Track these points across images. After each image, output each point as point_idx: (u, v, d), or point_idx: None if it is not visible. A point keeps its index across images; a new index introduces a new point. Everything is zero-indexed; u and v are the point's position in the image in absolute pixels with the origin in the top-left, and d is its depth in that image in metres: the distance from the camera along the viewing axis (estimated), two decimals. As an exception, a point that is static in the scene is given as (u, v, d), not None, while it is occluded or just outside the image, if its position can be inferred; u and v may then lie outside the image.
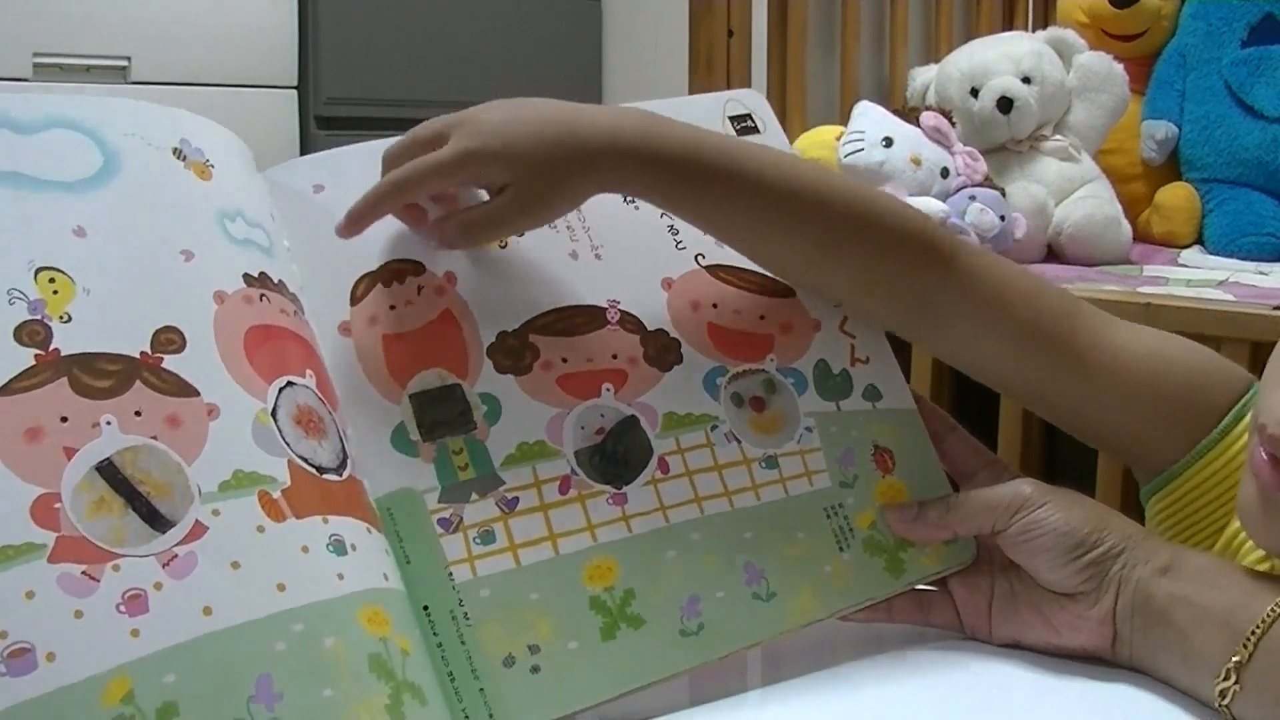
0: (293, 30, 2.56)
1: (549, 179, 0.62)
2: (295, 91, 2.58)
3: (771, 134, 0.75)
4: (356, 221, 0.62)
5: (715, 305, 0.68)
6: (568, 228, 0.67)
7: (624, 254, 0.67)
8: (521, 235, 0.65)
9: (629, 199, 0.68)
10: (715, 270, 0.69)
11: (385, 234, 0.64)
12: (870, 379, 0.69)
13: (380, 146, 0.66)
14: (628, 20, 2.88)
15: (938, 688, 0.61)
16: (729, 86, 2.13)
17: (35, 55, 2.30)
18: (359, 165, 0.65)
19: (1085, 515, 0.62)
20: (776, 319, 0.69)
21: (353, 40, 2.59)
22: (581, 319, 0.65)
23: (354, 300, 0.62)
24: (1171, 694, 0.59)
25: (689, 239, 0.68)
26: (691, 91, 2.05)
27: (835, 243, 0.66)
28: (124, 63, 2.39)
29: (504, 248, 0.65)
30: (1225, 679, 0.55)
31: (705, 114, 0.73)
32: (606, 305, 0.66)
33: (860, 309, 0.70)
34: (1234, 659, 0.55)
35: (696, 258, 0.69)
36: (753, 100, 0.76)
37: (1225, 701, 0.55)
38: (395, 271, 0.63)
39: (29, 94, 0.58)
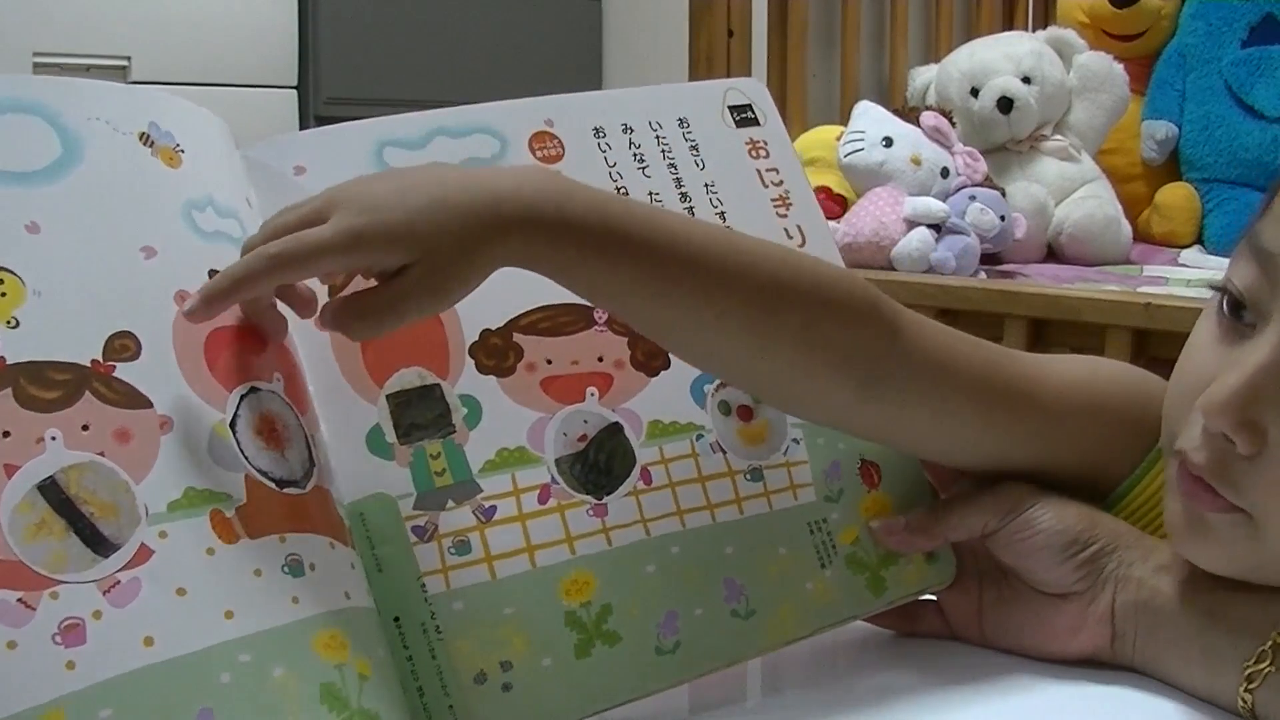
0: (293, 30, 2.56)
1: (457, 253, 0.53)
2: (295, 91, 2.58)
3: (772, 126, 0.72)
4: (211, 303, 0.51)
5: None
6: None
7: None
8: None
9: (622, 191, 0.66)
10: None
11: None
12: None
13: (367, 127, 0.63)
14: (628, 20, 2.88)
15: (940, 693, 0.61)
16: (730, 86, 2.13)
17: (35, 55, 2.30)
18: (343, 147, 0.62)
19: (1076, 514, 0.62)
20: None
21: (353, 40, 2.59)
22: (568, 318, 0.62)
23: (333, 292, 0.59)
24: (1170, 694, 0.59)
25: None
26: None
27: (777, 308, 0.58)
28: (124, 63, 2.39)
29: None
30: (1258, 661, 0.55)
31: (704, 102, 0.71)
32: None
33: (799, 389, 0.61)
34: (1271, 640, 0.55)
35: None
36: (754, 90, 0.73)
37: (1253, 686, 0.55)
38: None
39: (-18, 76, 0.54)
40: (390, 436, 0.58)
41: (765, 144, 0.71)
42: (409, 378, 0.59)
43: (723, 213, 0.68)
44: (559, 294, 0.62)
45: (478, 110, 0.65)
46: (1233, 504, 0.56)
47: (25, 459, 0.46)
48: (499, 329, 0.61)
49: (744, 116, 0.71)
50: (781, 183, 0.70)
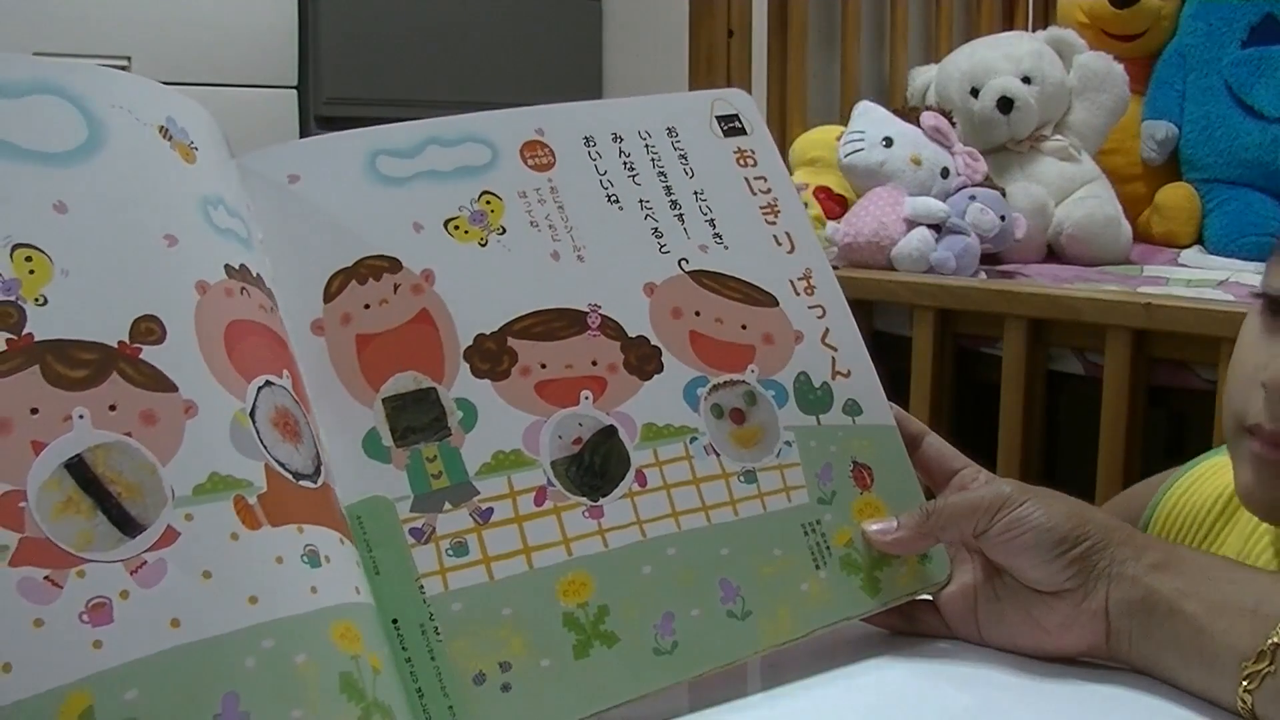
0: (293, 30, 2.56)
1: None
2: (295, 91, 2.58)
3: (759, 136, 0.73)
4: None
5: (698, 313, 0.66)
6: (550, 226, 0.65)
7: (606, 256, 0.65)
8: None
9: (613, 199, 0.67)
10: (698, 276, 0.67)
11: (361, 229, 0.62)
12: (851, 393, 0.68)
13: (360, 136, 0.63)
14: (628, 20, 2.88)
15: (940, 693, 0.61)
16: (729, 86, 2.13)
17: (35, 55, 2.30)
18: (336, 156, 0.63)
19: (1066, 512, 0.62)
20: (759, 329, 0.67)
21: (353, 40, 2.59)
22: (561, 323, 0.63)
23: (328, 297, 0.60)
24: (1169, 693, 0.59)
25: (672, 242, 0.67)
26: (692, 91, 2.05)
27: None
28: (124, 63, 2.39)
29: (484, 245, 0.63)
30: (1257, 662, 0.55)
31: (691, 112, 0.71)
32: (587, 309, 0.64)
33: None
34: (1270, 641, 0.55)
35: (680, 262, 0.67)
36: (740, 100, 0.74)
37: (1252, 686, 0.55)
38: (371, 268, 0.61)
39: (12, 55, 0.53)
40: (387, 440, 0.58)
41: (753, 153, 0.72)
42: (404, 382, 0.59)
43: (712, 220, 0.69)
44: (551, 298, 0.63)
45: (469, 119, 0.66)
46: None
47: (53, 436, 0.46)
48: (493, 333, 0.61)
49: (731, 126, 0.72)
50: (770, 190, 0.71)
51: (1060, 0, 2.30)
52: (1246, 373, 0.68)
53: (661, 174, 0.69)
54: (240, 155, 0.61)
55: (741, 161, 0.71)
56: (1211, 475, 0.84)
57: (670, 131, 0.70)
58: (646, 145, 0.69)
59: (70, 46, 2.34)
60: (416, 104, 2.52)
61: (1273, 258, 0.68)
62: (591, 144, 0.68)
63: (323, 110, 2.58)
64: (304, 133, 2.57)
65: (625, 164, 0.68)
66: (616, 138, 0.68)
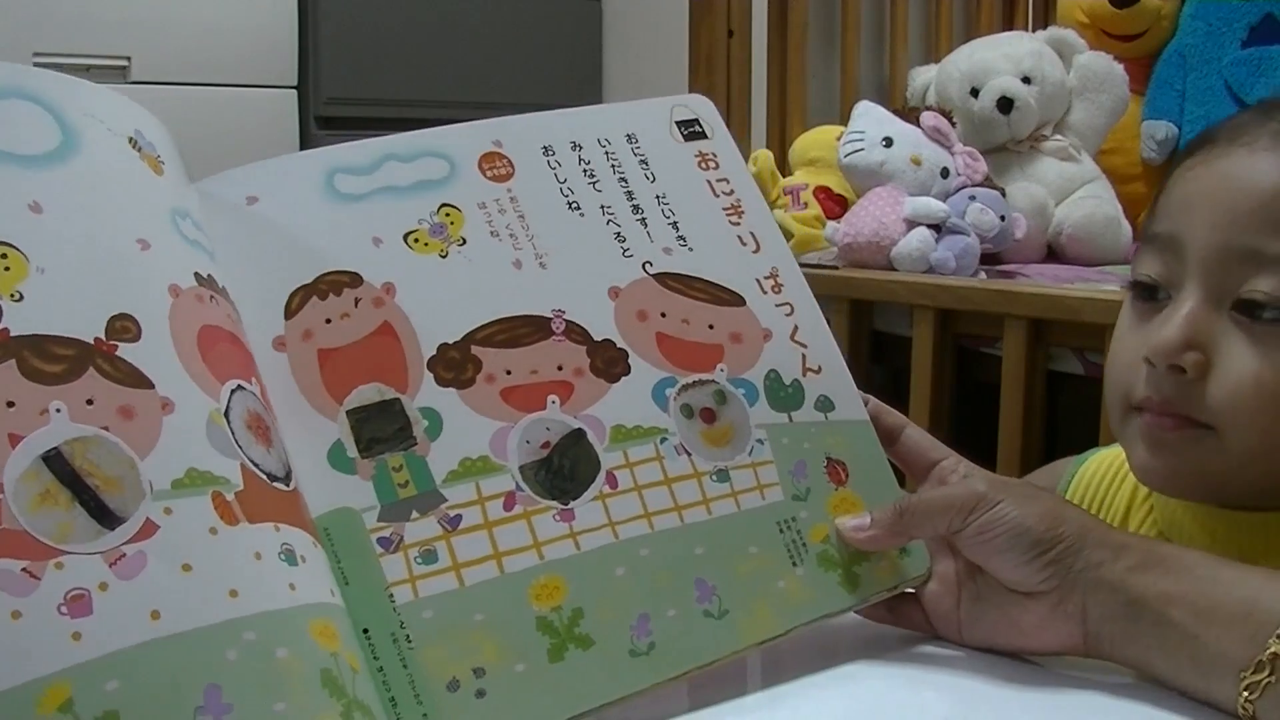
0: (293, 30, 2.56)
1: None
2: (295, 91, 2.58)
3: (720, 140, 0.73)
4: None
5: (664, 315, 0.66)
6: (511, 235, 0.65)
7: (569, 262, 0.65)
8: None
9: (574, 206, 0.67)
10: (663, 279, 0.67)
11: (320, 245, 0.62)
12: (822, 390, 0.68)
13: (317, 155, 0.64)
14: (628, 20, 2.88)
15: (941, 695, 0.61)
16: (729, 86, 2.14)
17: (35, 55, 2.31)
18: (294, 175, 0.63)
19: (1041, 511, 0.61)
20: (726, 328, 0.67)
21: (353, 40, 2.59)
22: (526, 330, 0.63)
23: (289, 314, 0.60)
24: (1153, 700, 0.58)
25: (635, 246, 0.67)
26: (692, 91, 2.05)
27: None
28: (124, 63, 2.40)
29: (444, 256, 0.64)
30: (1256, 672, 0.54)
31: (651, 119, 0.72)
32: (552, 315, 0.64)
33: None
34: (1269, 651, 0.54)
35: (644, 265, 0.67)
36: (700, 105, 0.74)
37: (1254, 696, 0.54)
38: (332, 283, 0.61)
39: (-17, 60, 0.54)
40: (351, 451, 0.58)
41: (714, 156, 0.72)
42: (368, 394, 0.59)
43: (675, 222, 0.69)
44: (514, 306, 0.64)
45: (426, 135, 0.67)
46: (1197, 421, 0.66)
47: (30, 429, 0.46)
48: (456, 343, 0.62)
49: (692, 131, 0.72)
50: (732, 192, 0.71)
51: (1060, 0, 2.30)
52: (1125, 357, 0.70)
53: (622, 179, 0.69)
54: (197, 181, 0.62)
55: (703, 165, 0.71)
56: (1105, 463, 0.85)
57: (630, 138, 0.70)
58: (606, 152, 0.69)
59: (70, 46, 2.34)
60: (416, 104, 2.53)
61: (1139, 250, 0.70)
62: (550, 153, 0.68)
63: (323, 110, 2.58)
64: (304, 133, 2.58)
65: (585, 171, 0.68)
66: (575, 146, 0.69)
